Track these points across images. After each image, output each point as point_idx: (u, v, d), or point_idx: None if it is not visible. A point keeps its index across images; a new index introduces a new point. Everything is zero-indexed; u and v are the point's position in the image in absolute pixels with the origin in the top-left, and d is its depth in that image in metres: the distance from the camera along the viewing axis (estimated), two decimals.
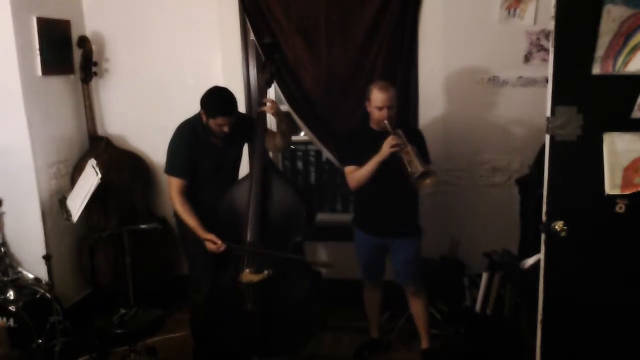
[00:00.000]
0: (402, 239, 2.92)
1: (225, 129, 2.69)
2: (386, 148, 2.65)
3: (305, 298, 2.80)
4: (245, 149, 3.11)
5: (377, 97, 2.73)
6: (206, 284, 2.89)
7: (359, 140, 2.90)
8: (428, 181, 2.57)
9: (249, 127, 2.86)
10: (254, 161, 2.78)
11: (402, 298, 3.11)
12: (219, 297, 2.86)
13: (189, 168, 2.78)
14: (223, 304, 2.85)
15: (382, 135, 2.71)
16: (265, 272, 2.68)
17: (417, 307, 3.05)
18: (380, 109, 2.73)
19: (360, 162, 2.77)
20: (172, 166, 2.80)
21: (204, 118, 2.71)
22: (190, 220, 2.74)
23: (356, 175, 2.81)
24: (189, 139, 2.78)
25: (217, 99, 2.68)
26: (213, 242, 2.68)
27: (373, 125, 2.84)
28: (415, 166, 2.56)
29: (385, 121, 2.69)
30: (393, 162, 2.66)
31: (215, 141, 2.81)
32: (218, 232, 2.76)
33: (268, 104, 2.76)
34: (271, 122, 3.19)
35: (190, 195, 2.85)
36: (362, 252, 3.05)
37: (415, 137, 2.82)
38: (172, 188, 2.79)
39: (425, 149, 2.86)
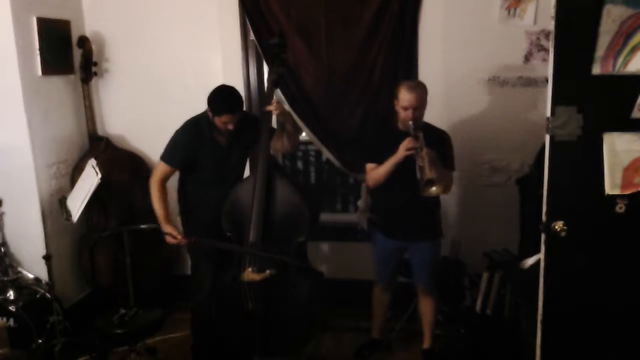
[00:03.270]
0: (420, 241, 2.90)
1: (230, 126, 2.74)
2: (402, 150, 2.61)
3: (306, 298, 2.80)
4: None
5: (405, 97, 2.67)
6: (208, 283, 2.90)
7: (382, 138, 2.85)
8: (434, 189, 2.53)
9: (255, 126, 2.86)
10: (258, 160, 2.80)
11: (401, 298, 3.11)
12: (220, 296, 2.86)
13: (181, 160, 2.84)
14: (224, 303, 2.85)
15: (405, 136, 2.65)
16: (267, 271, 2.67)
17: (426, 307, 3.05)
18: (406, 109, 2.67)
19: (380, 161, 2.73)
20: (165, 153, 2.87)
21: (210, 115, 2.77)
22: (159, 207, 2.81)
23: (374, 174, 2.78)
24: (191, 134, 2.83)
25: (222, 97, 2.73)
26: (172, 236, 2.76)
27: (399, 125, 2.79)
28: (425, 172, 2.52)
29: (410, 122, 2.64)
30: (412, 165, 2.61)
31: (219, 139, 2.84)
32: (222, 230, 2.81)
33: (273, 104, 2.76)
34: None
35: (196, 193, 2.90)
36: (380, 254, 3.03)
37: (439, 141, 2.77)
38: (156, 171, 2.87)
39: (450, 155, 2.82)
